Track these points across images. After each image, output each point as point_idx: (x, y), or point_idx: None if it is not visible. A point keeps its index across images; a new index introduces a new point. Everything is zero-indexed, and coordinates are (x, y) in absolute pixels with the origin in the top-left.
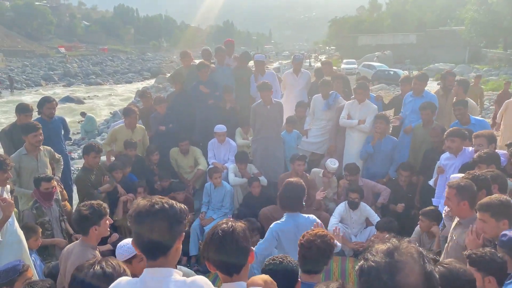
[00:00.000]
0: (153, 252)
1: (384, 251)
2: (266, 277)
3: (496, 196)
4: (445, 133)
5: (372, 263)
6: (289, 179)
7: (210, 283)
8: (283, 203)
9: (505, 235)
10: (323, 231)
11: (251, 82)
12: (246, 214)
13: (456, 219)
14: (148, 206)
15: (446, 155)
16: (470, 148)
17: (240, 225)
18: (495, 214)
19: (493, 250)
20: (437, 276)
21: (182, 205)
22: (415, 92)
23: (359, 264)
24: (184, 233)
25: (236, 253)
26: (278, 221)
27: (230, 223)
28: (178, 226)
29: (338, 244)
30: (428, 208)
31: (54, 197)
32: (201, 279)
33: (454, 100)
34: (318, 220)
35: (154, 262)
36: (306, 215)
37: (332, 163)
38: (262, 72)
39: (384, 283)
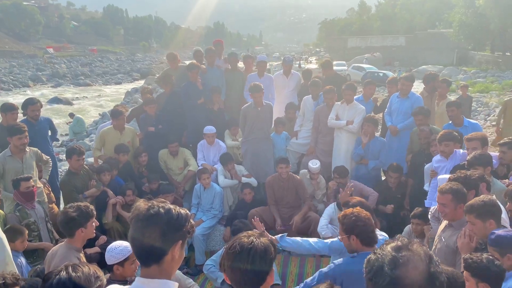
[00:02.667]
0: (145, 258)
1: (392, 247)
2: None
3: (480, 198)
4: (438, 137)
5: (378, 256)
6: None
7: None
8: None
9: (493, 233)
10: (358, 210)
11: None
12: (239, 217)
13: (445, 221)
14: (145, 210)
15: (437, 157)
16: (461, 151)
17: (262, 242)
18: (480, 215)
19: (491, 257)
20: (443, 279)
21: (184, 210)
22: (402, 93)
23: (368, 256)
24: (182, 241)
25: (250, 273)
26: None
27: (251, 238)
28: (174, 233)
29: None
30: (418, 210)
31: (36, 198)
32: None
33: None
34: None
35: (147, 269)
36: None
37: (313, 164)
38: (263, 74)
39: (386, 274)
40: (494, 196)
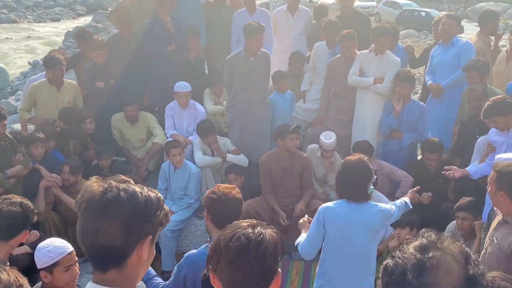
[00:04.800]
0: (101, 261)
1: (416, 247)
2: None
3: None
4: (482, 112)
5: (398, 260)
6: (348, 158)
7: None
8: (339, 190)
9: None
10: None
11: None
12: None
13: (500, 216)
14: (99, 194)
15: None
16: None
17: (271, 234)
18: None
19: None
20: (486, 284)
21: (154, 193)
22: (444, 37)
23: (384, 263)
24: (152, 236)
25: (258, 274)
26: (330, 203)
27: (259, 227)
28: (141, 226)
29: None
30: (466, 200)
31: None
32: None
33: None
34: (391, 206)
35: (103, 275)
36: (374, 203)
37: (327, 138)
38: (253, 9)
39: (410, 283)
40: None
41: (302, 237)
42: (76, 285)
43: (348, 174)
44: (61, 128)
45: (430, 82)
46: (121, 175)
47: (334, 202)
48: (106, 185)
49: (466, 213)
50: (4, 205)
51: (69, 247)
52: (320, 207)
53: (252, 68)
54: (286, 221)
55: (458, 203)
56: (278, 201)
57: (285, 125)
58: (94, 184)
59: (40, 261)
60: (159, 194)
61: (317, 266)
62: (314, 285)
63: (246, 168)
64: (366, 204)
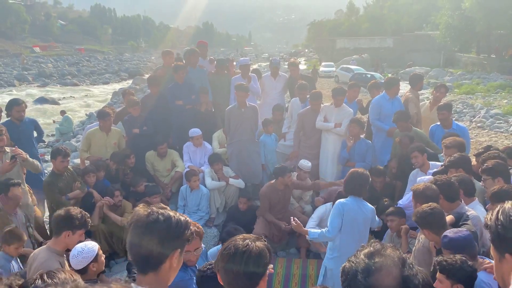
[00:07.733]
0: (143, 265)
1: (366, 253)
2: None
3: (420, 208)
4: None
5: (352, 264)
6: (354, 169)
7: None
8: (347, 188)
9: (445, 236)
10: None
11: (231, 89)
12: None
13: None
14: (144, 217)
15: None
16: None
17: (258, 246)
18: (419, 225)
19: (463, 257)
20: (418, 282)
21: (183, 217)
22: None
23: (343, 265)
24: (181, 249)
25: (243, 276)
26: (344, 199)
27: (247, 241)
28: (172, 241)
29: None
30: (391, 208)
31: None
32: None
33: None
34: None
35: (143, 277)
36: (368, 204)
37: (306, 162)
38: (246, 76)
39: (360, 282)
40: (431, 206)
41: (313, 230)
42: (119, 278)
43: (356, 177)
44: (112, 166)
45: (388, 127)
46: (148, 199)
47: (345, 199)
48: (149, 210)
49: (391, 216)
50: (56, 212)
51: (93, 246)
52: (338, 202)
53: (243, 117)
54: (286, 225)
55: (386, 211)
56: (275, 217)
57: (282, 167)
58: (141, 209)
59: (86, 259)
60: (188, 218)
61: (329, 243)
62: (328, 256)
63: (243, 188)
64: (365, 202)
